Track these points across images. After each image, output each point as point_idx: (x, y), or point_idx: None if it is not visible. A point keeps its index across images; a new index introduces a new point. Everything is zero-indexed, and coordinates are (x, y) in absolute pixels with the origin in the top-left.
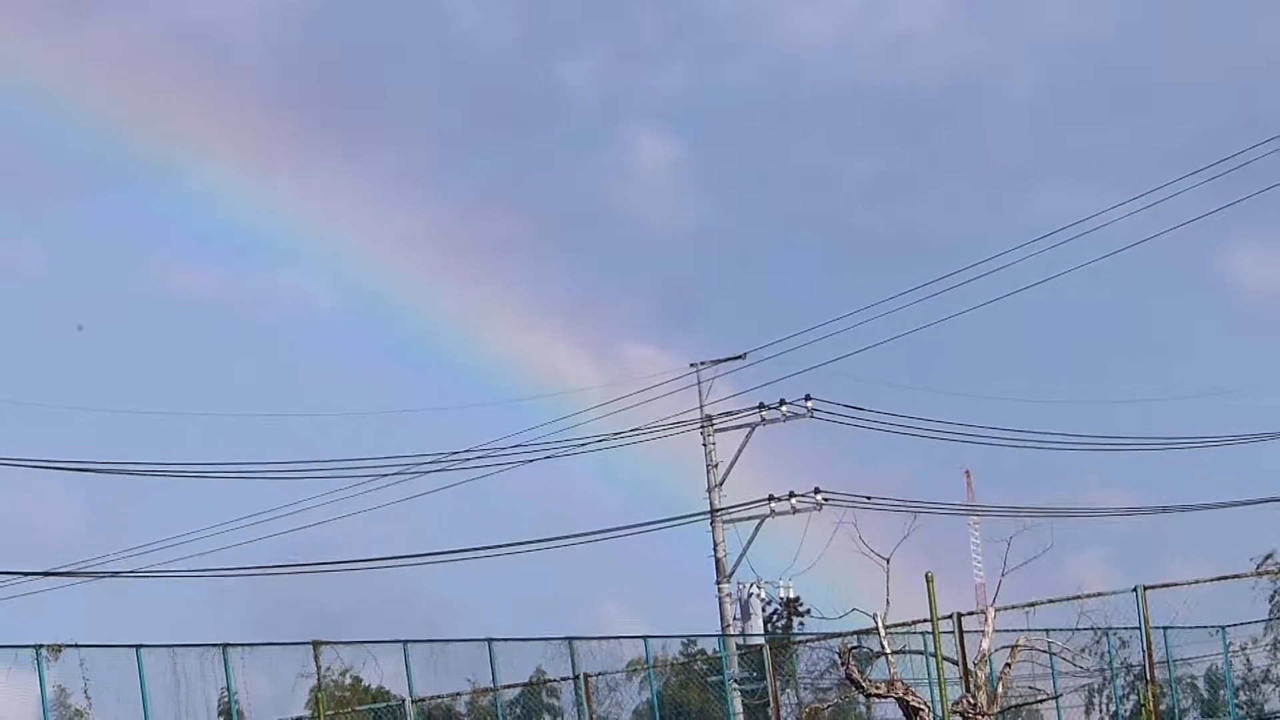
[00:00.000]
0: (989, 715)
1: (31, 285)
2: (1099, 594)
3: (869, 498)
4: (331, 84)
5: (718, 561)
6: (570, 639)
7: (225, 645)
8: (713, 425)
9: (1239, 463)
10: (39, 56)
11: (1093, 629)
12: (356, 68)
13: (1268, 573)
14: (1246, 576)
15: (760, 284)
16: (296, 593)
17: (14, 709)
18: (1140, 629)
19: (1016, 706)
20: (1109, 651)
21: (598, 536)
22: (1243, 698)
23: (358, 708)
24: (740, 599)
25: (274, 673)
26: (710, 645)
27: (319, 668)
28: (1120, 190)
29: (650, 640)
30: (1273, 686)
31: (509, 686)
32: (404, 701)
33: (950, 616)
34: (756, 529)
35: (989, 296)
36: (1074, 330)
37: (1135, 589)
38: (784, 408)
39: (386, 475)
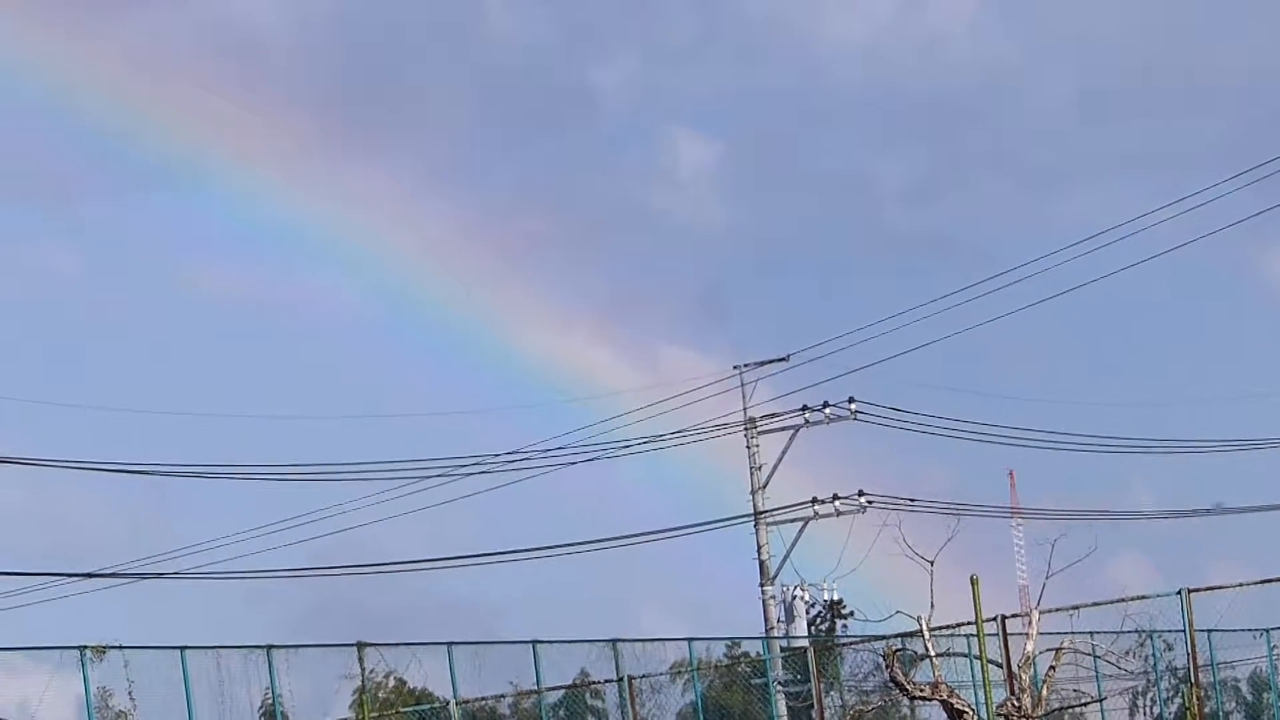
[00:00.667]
0: (1033, 718)
1: (66, 286)
2: (1143, 596)
3: (913, 500)
4: (364, 85)
5: (761, 564)
6: (614, 641)
7: (270, 647)
8: (756, 427)
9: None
10: (72, 58)
11: (1137, 632)
12: (389, 68)
13: None
14: None
15: (794, 285)
16: (337, 594)
17: (58, 710)
18: (1185, 632)
19: (1061, 709)
20: (1153, 654)
21: (642, 539)
22: None
23: (401, 709)
24: (784, 601)
25: (317, 674)
26: (754, 648)
27: (363, 669)
28: (1153, 191)
29: (694, 642)
30: None
31: (553, 689)
32: (448, 703)
33: (994, 619)
34: (800, 531)
35: (1031, 299)
36: (1115, 332)
37: (1180, 592)
38: (827, 410)
39: (430, 477)
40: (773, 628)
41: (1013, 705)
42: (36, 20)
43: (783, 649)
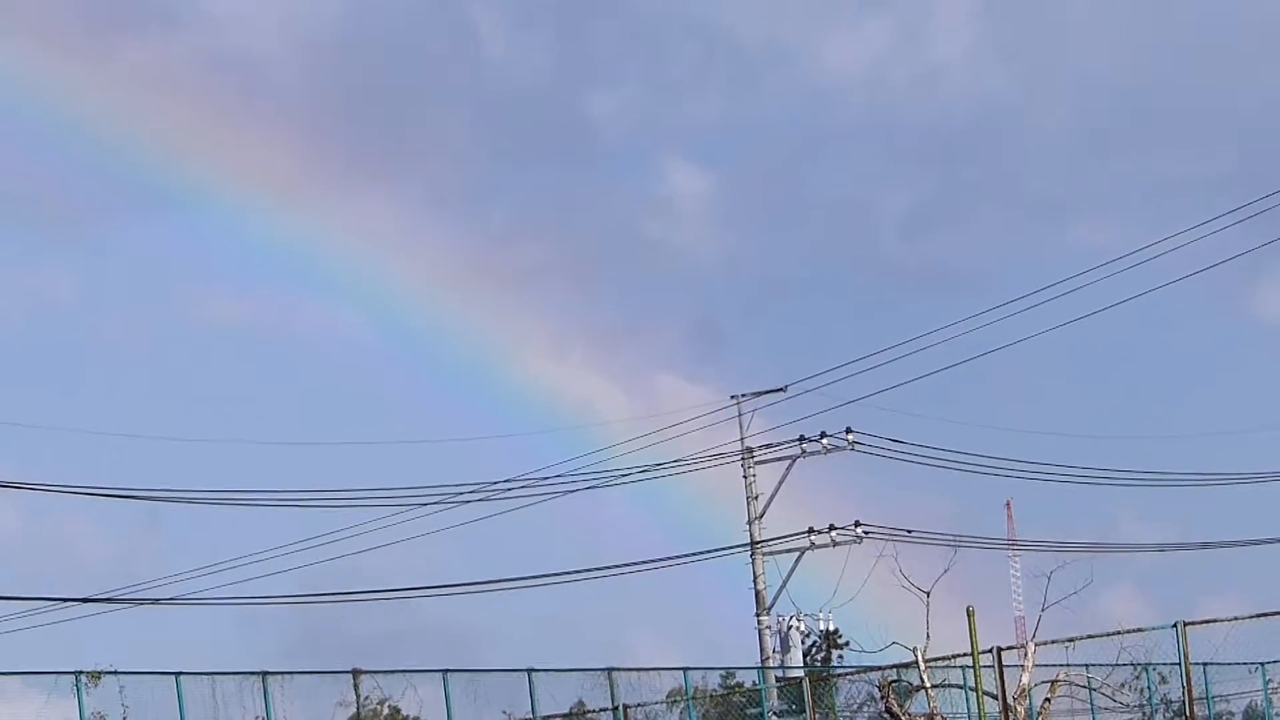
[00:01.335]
0: None
1: (63, 309)
2: (1139, 629)
3: (909, 531)
4: (364, 112)
5: (757, 594)
6: (610, 670)
7: (265, 673)
8: (754, 457)
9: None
10: (74, 81)
11: (1132, 664)
12: (389, 96)
13: None
14: None
15: (790, 315)
16: (330, 621)
17: None
18: (1180, 665)
19: None
20: (1149, 687)
21: (637, 568)
22: None
23: None
24: (780, 631)
25: (311, 701)
26: (749, 677)
27: (358, 696)
28: (1151, 224)
29: (690, 672)
30: None
31: (548, 718)
32: None
33: (990, 651)
34: (796, 561)
35: (1030, 331)
36: (1113, 364)
37: (1175, 625)
38: (825, 440)
39: (426, 504)
40: (768, 658)
41: None
42: (36, 44)
43: (778, 679)
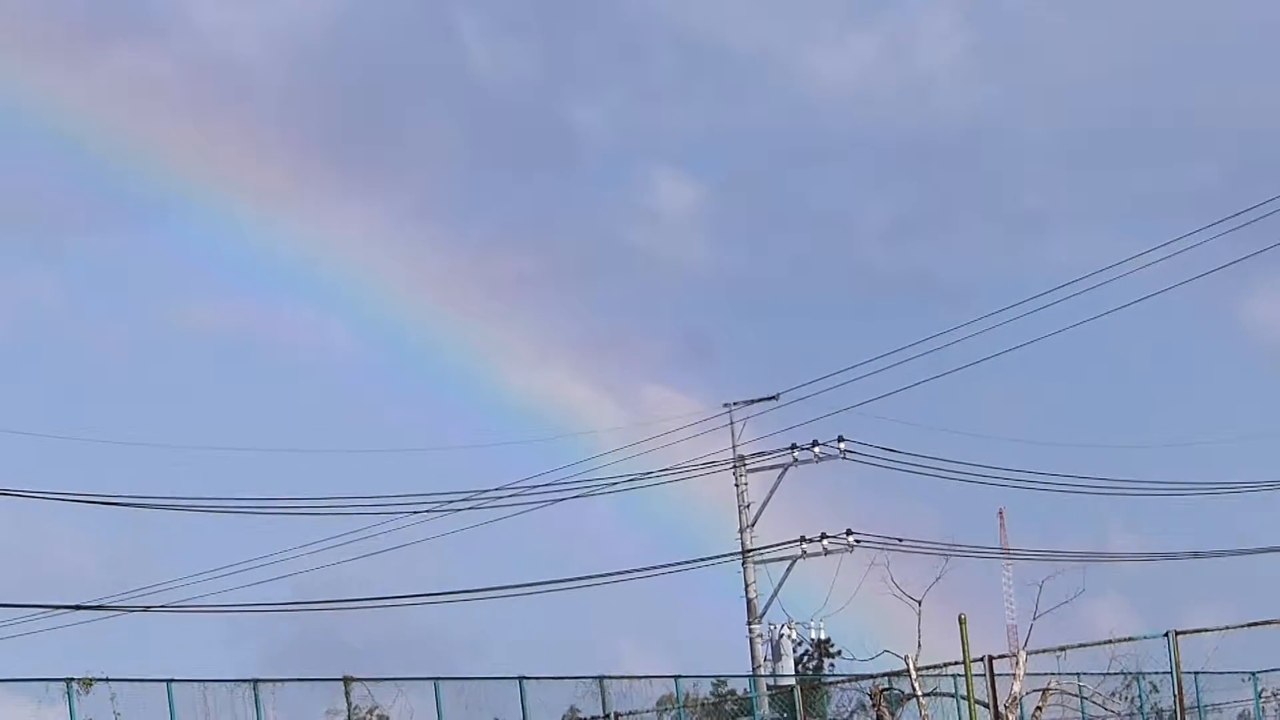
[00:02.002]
0: None
1: (49, 318)
2: (1130, 639)
3: (901, 539)
4: (349, 121)
5: (749, 602)
6: (601, 678)
7: (256, 680)
8: (745, 466)
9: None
10: (59, 92)
11: (1123, 673)
12: (374, 107)
13: None
14: (1277, 623)
15: (777, 325)
16: (319, 629)
17: None
18: (1171, 674)
19: None
20: (1140, 696)
21: (629, 576)
22: None
23: None
24: (771, 640)
25: (301, 709)
26: (741, 686)
27: (349, 704)
28: (1137, 235)
29: (681, 680)
30: None
31: None
32: None
33: (982, 659)
34: (788, 570)
35: (1020, 340)
36: (1102, 374)
37: (1167, 634)
38: (816, 449)
39: (416, 512)
40: (759, 666)
41: None
42: (20, 52)
43: (769, 687)
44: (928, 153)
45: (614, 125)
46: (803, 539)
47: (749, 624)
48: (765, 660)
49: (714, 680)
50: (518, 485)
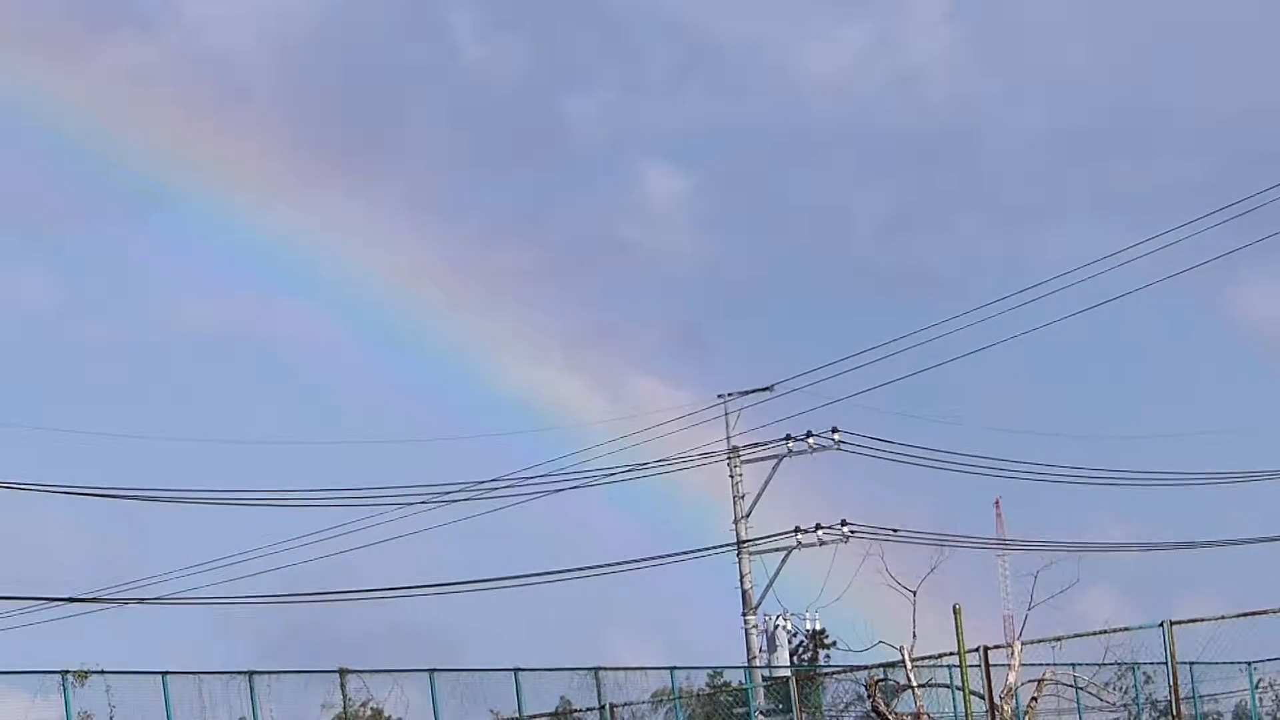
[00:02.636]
0: None
1: (43, 312)
2: (1125, 629)
3: (896, 530)
4: (341, 115)
5: (744, 593)
6: (596, 669)
7: (251, 673)
8: (740, 456)
9: (1258, 499)
10: (51, 84)
11: (1118, 664)
12: (366, 100)
13: None
14: (1273, 613)
15: (771, 318)
16: (314, 621)
17: None
18: (1166, 664)
19: None
20: (1134, 686)
21: (624, 567)
22: None
23: None
24: (766, 631)
25: (296, 701)
26: (736, 677)
27: (345, 696)
28: (1128, 228)
29: (676, 671)
30: None
31: (534, 717)
32: None
33: (977, 650)
34: (783, 561)
35: (1015, 331)
36: (1095, 366)
37: (1162, 624)
38: (811, 439)
39: (411, 503)
40: (755, 657)
41: None
42: (11, 47)
43: (765, 678)
44: (921, 146)
45: (606, 119)
46: (797, 530)
47: (744, 615)
48: (760, 651)
49: (709, 671)
50: (513, 477)
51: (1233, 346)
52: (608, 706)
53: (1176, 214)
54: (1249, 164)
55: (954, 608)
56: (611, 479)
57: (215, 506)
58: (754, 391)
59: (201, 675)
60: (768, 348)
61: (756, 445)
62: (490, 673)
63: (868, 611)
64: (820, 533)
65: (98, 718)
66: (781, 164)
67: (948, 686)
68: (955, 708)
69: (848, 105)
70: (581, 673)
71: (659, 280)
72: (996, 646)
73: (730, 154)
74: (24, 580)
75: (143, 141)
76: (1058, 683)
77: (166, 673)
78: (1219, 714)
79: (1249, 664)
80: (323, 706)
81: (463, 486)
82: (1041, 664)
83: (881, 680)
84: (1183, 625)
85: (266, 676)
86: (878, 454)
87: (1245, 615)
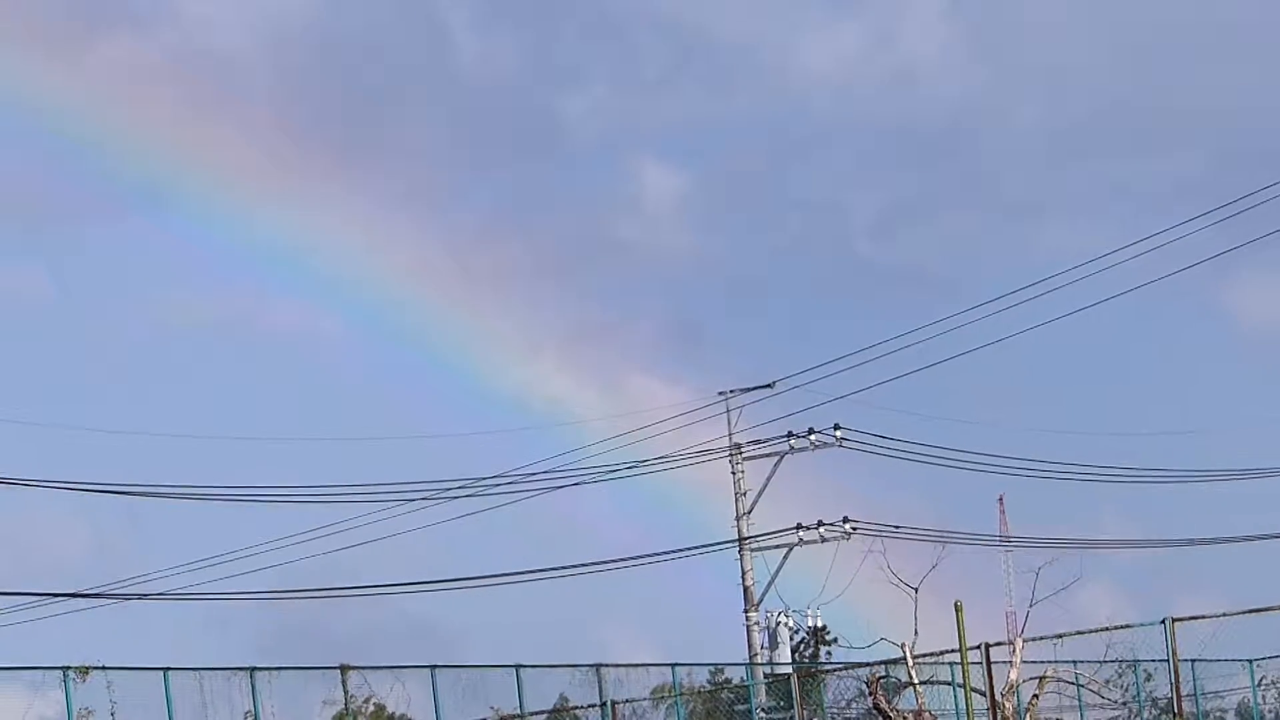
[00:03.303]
0: None
1: (36, 307)
2: (1127, 625)
3: (897, 527)
4: (335, 111)
5: (745, 590)
6: (597, 666)
7: (253, 669)
8: (742, 453)
9: (1260, 496)
10: (45, 80)
11: (1120, 661)
12: (361, 96)
13: None
14: (1275, 610)
15: (769, 315)
16: (313, 617)
17: None
18: (1168, 661)
19: None
20: (1136, 684)
21: (625, 564)
22: None
23: None
24: (768, 627)
25: (297, 697)
26: (737, 674)
27: (346, 692)
28: (1126, 225)
29: (677, 668)
30: None
31: (535, 714)
32: None
33: (978, 647)
34: (785, 558)
35: (1014, 329)
36: (1096, 363)
37: (1164, 621)
38: (813, 436)
39: (410, 500)
40: (756, 654)
41: None
42: (6, 43)
43: (766, 675)
44: (917, 141)
45: (603, 116)
46: (799, 526)
47: (746, 612)
48: (762, 648)
49: (710, 668)
50: (514, 473)
51: (1234, 343)
52: (609, 703)
53: (1176, 210)
54: (1248, 161)
55: (956, 604)
56: (614, 476)
57: (215, 503)
58: (756, 388)
59: (203, 671)
60: (765, 345)
61: (758, 442)
62: (492, 669)
63: (869, 608)
64: (822, 529)
65: (99, 714)
66: (779, 160)
67: (949, 683)
68: (957, 705)
69: (846, 102)
70: (583, 669)
71: (656, 277)
72: (998, 644)
73: (728, 151)
74: (25, 576)
75: (140, 138)
76: (1059, 680)
77: (168, 668)
78: (1223, 711)
79: (1250, 661)
80: (324, 703)
81: (462, 484)
82: (1043, 661)
83: (883, 677)
84: (1184, 622)
85: (268, 672)
86: (880, 451)
87: (1247, 613)
